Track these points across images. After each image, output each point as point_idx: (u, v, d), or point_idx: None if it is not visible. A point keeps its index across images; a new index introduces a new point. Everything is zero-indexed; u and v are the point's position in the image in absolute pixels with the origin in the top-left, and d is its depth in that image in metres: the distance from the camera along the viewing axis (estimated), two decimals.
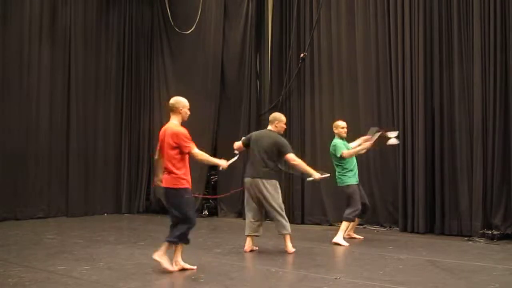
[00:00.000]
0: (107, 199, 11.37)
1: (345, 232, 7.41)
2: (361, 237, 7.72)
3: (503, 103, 7.62)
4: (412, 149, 8.40)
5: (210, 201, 11.13)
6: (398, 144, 8.08)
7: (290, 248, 6.65)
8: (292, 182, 9.92)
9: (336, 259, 6.75)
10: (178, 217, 5.49)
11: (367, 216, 8.32)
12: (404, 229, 8.42)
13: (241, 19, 10.81)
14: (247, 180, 6.70)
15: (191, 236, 5.61)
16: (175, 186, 5.49)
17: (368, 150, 7.84)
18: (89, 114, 11.17)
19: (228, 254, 6.62)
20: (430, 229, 8.20)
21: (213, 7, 11.15)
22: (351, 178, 7.50)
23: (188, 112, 5.73)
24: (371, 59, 9.15)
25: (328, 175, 6.97)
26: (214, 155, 9.84)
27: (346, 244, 7.23)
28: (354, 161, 7.57)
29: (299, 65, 10.05)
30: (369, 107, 9.19)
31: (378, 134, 7.61)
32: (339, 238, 7.27)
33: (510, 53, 7.58)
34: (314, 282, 5.08)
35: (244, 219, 7.00)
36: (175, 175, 5.48)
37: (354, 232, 7.81)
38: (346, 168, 7.48)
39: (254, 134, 6.98)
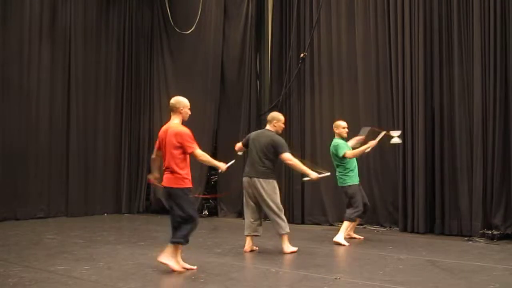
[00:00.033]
0: (107, 199, 11.37)
1: (345, 232, 7.41)
2: (361, 237, 7.71)
3: (503, 103, 7.62)
4: (412, 149, 8.40)
5: (210, 201, 11.14)
6: (399, 144, 8.07)
7: (286, 248, 6.62)
8: (292, 182, 9.92)
9: (336, 259, 6.76)
10: (181, 217, 5.46)
11: (367, 216, 8.33)
12: (404, 229, 8.42)
13: (241, 19, 10.81)
14: (245, 179, 6.71)
15: (191, 236, 5.61)
16: (179, 186, 5.49)
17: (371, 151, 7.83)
18: (89, 114, 11.17)
19: (228, 254, 6.62)
20: (430, 229, 8.20)
21: (213, 7, 11.15)
22: (353, 178, 7.50)
23: (189, 112, 5.74)
24: (371, 59, 9.16)
25: (329, 173, 6.94)
26: (214, 154, 9.87)
27: (346, 243, 7.23)
28: (354, 161, 7.56)
29: (299, 65, 10.06)
30: (369, 107, 9.19)
31: (383, 133, 7.62)
32: (340, 237, 7.27)
33: (510, 53, 7.57)
34: (314, 282, 5.08)
35: (244, 219, 6.99)
36: (178, 175, 5.49)
37: (354, 232, 7.80)
38: (348, 168, 7.48)
39: (252, 134, 7.03)
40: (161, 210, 9.95)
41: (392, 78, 8.76)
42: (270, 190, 6.58)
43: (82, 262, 6.00)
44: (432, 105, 8.34)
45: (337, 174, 7.58)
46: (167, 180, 5.52)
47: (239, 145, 6.99)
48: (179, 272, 5.47)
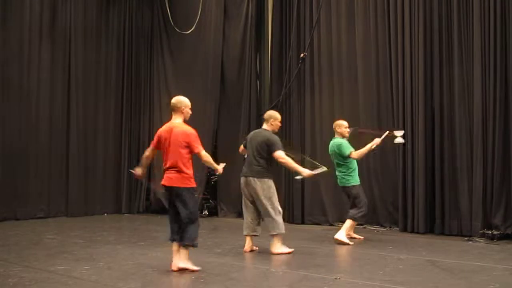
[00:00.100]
0: (107, 199, 11.36)
1: (346, 231, 7.41)
2: (361, 237, 7.71)
3: (503, 103, 7.62)
4: (412, 149, 8.40)
5: (210, 201, 11.15)
6: (403, 143, 8.06)
7: (274, 248, 6.58)
8: (292, 182, 9.91)
9: (336, 259, 6.76)
10: (189, 217, 5.47)
11: (367, 216, 8.32)
12: (404, 229, 8.42)
13: (241, 19, 10.81)
14: (242, 179, 6.72)
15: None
16: (187, 186, 5.51)
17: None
18: (89, 114, 11.16)
19: (228, 254, 6.62)
20: (430, 229, 8.20)
21: (213, 7, 11.15)
22: (356, 178, 7.50)
23: (190, 112, 5.76)
24: (371, 59, 9.16)
25: (326, 169, 6.87)
26: (214, 154, 9.88)
27: (347, 241, 7.24)
28: (355, 160, 7.56)
29: (299, 65, 10.05)
30: (369, 107, 9.19)
31: (386, 133, 7.63)
32: (341, 235, 7.27)
33: (510, 53, 7.57)
34: (314, 282, 5.09)
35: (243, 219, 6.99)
36: (186, 175, 5.51)
37: (354, 232, 7.80)
38: (351, 168, 7.48)
39: (250, 134, 7.05)
40: (161, 210, 9.95)
41: (392, 78, 8.76)
42: (265, 190, 6.56)
43: (82, 262, 6.00)
44: (432, 105, 8.34)
45: (338, 174, 7.56)
46: (173, 180, 5.50)
47: (241, 147, 7.04)
48: (197, 271, 5.49)
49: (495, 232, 7.46)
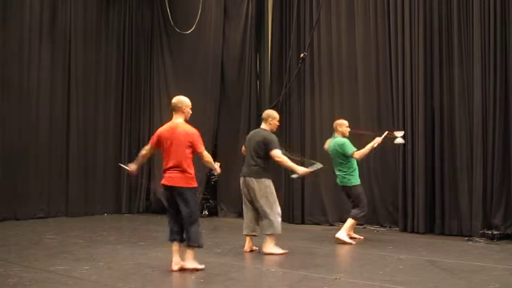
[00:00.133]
0: (107, 199, 11.37)
1: (347, 230, 7.41)
2: (361, 237, 7.70)
3: (503, 103, 7.62)
4: (412, 149, 8.40)
5: (210, 201, 11.15)
6: (403, 144, 8.07)
7: (266, 248, 6.54)
8: (292, 181, 9.90)
9: (336, 259, 6.76)
10: (191, 217, 5.49)
11: (367, 216, 8.32)
12: (404, 229, 8.41)
13: (241, 19, 10.82)
14: (241, 179, 6.72)
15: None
16: (190, 185, 5.53)
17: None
18: (89, 114, 11.16)
19: (228, 254, 6.62)
20: (430, 229, 8.20)
21: (213, 7, 11.15)
22: (357, 177, 7.50)
23: (190, 112, 5.77)
24: (371, 59, 9.16)
25: (321, 165, 6.87)
26: (214, 154, 9.88)
27: (348, 240, 7.24)
28: (355, 160, 7.57)
29: (299, 65, 10.05)
30: (369, 107, 9.19)
31: (385, 133, 7.64)
32: (342, 234, 7.27)
33: (510, 53, 7.57)
34: (314, 282, 5.08)
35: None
36: (189, 175, 5.53)
37: (354, 232, 7.80)
38: (352, 167, 7.48)
39: (249, 133, 7.05)
40: (161, 210, 9.95)
41: (392, 78, 8.76)
42: (262, 189, 6.54)
43: (82, 262, 6.00)
44: (432, 105, 8.34)
45: (339, 173, 7.55)
46: (176, 180, 5.50)
47: (243, 148, 7.05)
48: (202, 269, 5.51)
49: (495, 232, 7.46)
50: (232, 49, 10.99)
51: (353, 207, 7.51)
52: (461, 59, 8.05)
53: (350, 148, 7.41)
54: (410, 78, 8.46)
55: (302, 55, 10.01)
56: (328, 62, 9.79)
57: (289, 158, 6.68)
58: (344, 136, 7.59)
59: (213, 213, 10.99)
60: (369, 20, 9.20)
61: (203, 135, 5.78)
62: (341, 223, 8.47)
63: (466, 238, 7.64)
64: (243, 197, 6.77)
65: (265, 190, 6.56)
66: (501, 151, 7.60)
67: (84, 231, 8.66)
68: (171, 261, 5.59)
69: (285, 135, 9.99)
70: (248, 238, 6.76)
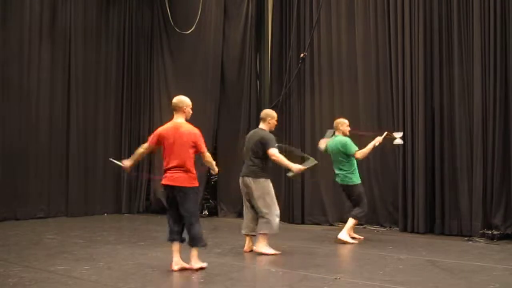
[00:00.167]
0: (107, 199, 11.36)
1: (349, 230, 7.41)
2: (361, 237, 7.70)
3: (503, 103, 7.62)
4: (412, 149, 8.40)
5: (210, 201, 11.15)
6: (401, 144, 8.07)
7: (257, 247, 6.53)
8: (292, 182, 9.91)
9: (336, 259, 6.76)
10: (194, 216, 5.52)
11: (367, 216, 8.32)
12: (404, 229, 8.41)
13: (241, 19, 10.82)
14: (240, 179, 6.72)
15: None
16: (193, 185, 5.56)
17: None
18: (89, 114, 11.16)
19: (228, 254, 6.62)
20: (430, 229, 8.20)
21: (213, 7, 11.15)
22: (358, 176, 7.51)
23: (191, 112, 5.77)
24: (371, 59, 9.16)
25: (316, 162, 6.86)
26: (214, 154, 9.87)
27: (351, 240, 7.24)
28: (355, 159, 7.58)
29: (299, 65, 10.05)
30: (369, 107, 9.19)
31: (385, 134, 7.65)
32: (344, 235, 7.27)
33: (510, 53, 7.58)
34: (314, 282, 5.09)
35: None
36: (192, 174, 5.56)
37: (354, 231, 7.80)
38: (353, 166, 7.49)
39: (248, 134, 7.04)
40: (161, 210, 9.95)
41: (392, 78, 8.76)
42: (260, 189, 6.52)
43: (82, 262, 6.00)
44: (432, 105, 8.34)
45: (340, 172, 7.52)
46: (180, 179, 5.50)
47: (244, 149, 7.02)
48: (204, 268, 5.52)
49: (495, 232, 7.46)
50: (232, 49, 10.99)
51: (354, 207, 7.51)
52: (461, 59, 8.05)
53: (353, 147, 7.42)
54: (410, 78, 8.46)
55: (302, 55, 10.02)
56: (328, 62, 9.79)
57: (290, 153, 6.68)
58: (345, 135, 7.59)
59: (213, 213, 10.99)
60: (369, 20, 9.20)
61: (203, 135, 5.78)
62: (341, 223, 8.48)
63: (466, 238, 7.65)
64: (243, 197, 6.77)
65: (262, 190, 6.53)
66: (501, 151, 7.60)
67: (84, 231, 8.66)
68: (171, 261, 5.59)
69: (285, 135, 9.99)
70: (248, 238, 6.76)
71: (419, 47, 8.34)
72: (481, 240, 7.44)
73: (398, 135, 7.72)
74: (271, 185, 6.63)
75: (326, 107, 9.76)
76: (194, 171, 5.58)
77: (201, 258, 5.65)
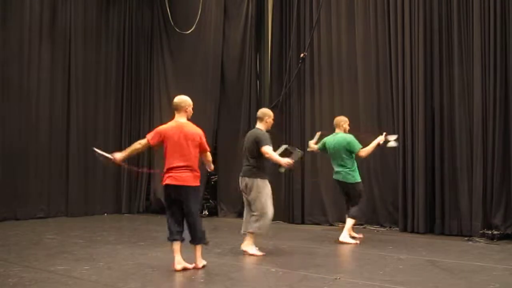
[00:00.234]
0: (107, 199, 11.37)
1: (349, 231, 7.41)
2: (361, 236, 7.68)
3: (503, 103, 7.62)
4: (412, 149, 8.40)
5: (210, 201, 11.15)
6: (397, 147, 8.08)
7: (244, 245, 6.51)
8: (292, 182, 9.92)
9: (336, 259, 6.75)
10: (196, 213, 5.58)
11: (367, 216, 8.32)
12: (404, 229, 8.41)
13: (241, 19, 10.82)
14: (239, 179, 6.71)
15: (189, 236, 5.66)
16: (197, 184, 5.62)
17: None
18: (89, 114, 11.17)
19: (228, 254, 6.62)
20: (430, 229, 8.20)
21: (213, 7, 11.16)
22: (358, 174, 7.51)
23: (192, 111, 5.78)
24: (371, 59, 9.16)
25: (300, 151, 6.85)
26: (214, 154, 9.87)
27: (352, 241, 7.24)
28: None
29: (299, 65, 10.06)
30: (369, 107, 9.20)
31: (384, 134, 7.67)
32: (345, 236, 7.27)
33: (510, 53, 7.58)
34: (314, 282, 5.09)
35: None
36: (197, 173, 5.61)
37: (354, 231, 7.79)
38: (354, 164, 7.50)
39: (247, 134, 7.03)
40: (161, 210, 9.94)
41: (392, 78, 8.76)
42: (254, 189, 6.49)
43: (82, 262, 6.00)
44: (432, 105, 8.34)
45: (342, 169, 7.48)
46: (186, 179, 5.51)
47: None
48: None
49: (495, 232, 7.46)
50: (232, 49, 10.99)
51: (352, 206, 7.50)
52: (461, 59, 8.05)
53: (357, 144, 7.43)
54: (410, 78, 8.46)
55: (302, 55, 10.02)
56: (328, 62, 9.79)
57: (291, 151, 6.69)
58: (345, 132, 7.60)
59: (213, 213, 11.00)
60: (369, 20, 9.20)
61: None
62: (341, 223, 8.47)
63: (466, 238, 7.65)
64: (243, 196, 6.77)
65: (256, 190, 6.49)
66: (501, 151, 7.60)
67: (84, 231, 8.66)
68: (173, 261, 5.58)
69: (285, 135, 9.99)
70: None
71: (419, 47, 8.34)
72: (481, 240, 7.44)
73: (392, 137, 7.73)
74: (268, 185, 6.58)
75: (326, 107, 9.76)
76: (199, 171, 5.64)
77: (193, 259, 5.65)
